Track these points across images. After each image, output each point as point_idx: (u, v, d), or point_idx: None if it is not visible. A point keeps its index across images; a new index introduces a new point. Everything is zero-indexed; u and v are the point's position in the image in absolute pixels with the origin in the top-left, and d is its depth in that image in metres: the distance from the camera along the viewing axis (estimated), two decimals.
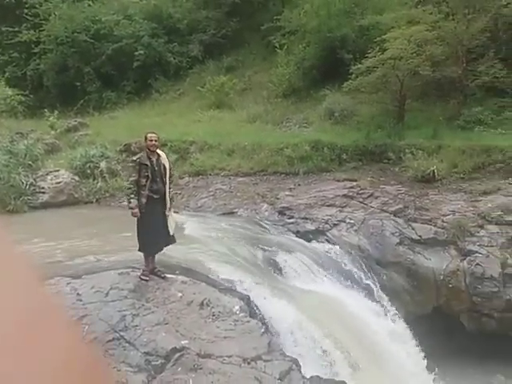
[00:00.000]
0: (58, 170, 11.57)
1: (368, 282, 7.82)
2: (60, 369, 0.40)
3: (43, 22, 18.82)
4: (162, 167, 5.51)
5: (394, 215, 8.94)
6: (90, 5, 19.57)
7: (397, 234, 8.56)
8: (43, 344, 0.40)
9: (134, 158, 5.47)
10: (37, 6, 19.39)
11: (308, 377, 4.84)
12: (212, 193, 10.96)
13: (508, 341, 7.66)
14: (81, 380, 0.43)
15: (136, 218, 5.33)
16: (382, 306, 7.43)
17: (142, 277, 5.44)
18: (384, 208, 9.12)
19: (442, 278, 8.03)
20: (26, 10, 19.36)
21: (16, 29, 19.32)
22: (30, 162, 11.50)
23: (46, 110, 15.38)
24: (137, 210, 5.23)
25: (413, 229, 8.66)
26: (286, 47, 16.22)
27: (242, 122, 14.46)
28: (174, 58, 18.96)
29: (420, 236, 8.50)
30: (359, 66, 11.89)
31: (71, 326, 0.49)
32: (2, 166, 10.77)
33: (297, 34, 16.04)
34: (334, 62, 14.34)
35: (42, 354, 0.39)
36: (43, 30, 18.72)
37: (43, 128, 14.69)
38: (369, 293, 7.55)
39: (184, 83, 18.79)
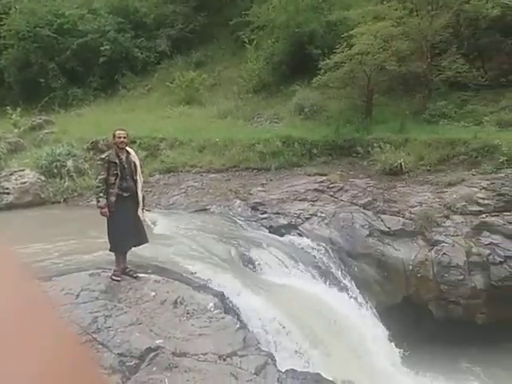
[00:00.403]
0: (22, 170, 11.18)
1: (340, 274, 7.97)
2: (47, 371, 0.39)
3: (3, 16, 18.16)
4: (132, 165, 5.43)
5: (364, 208, 9.14)
6: None
7: (366, 226, 8.75)
8: (30, 345, 0.39)
9: (103, 156, 5.36)
10: None
11: (283, 370, 4.90)
12: (184, 190, 10.86)
13: (473, 327, 7.99)
14: (69, 381, 0.42)
15: (106, 218, 5.23)
16: (354, 297, 7.59)
17: (114, 277, 5.35)
18: (354, 201, 9.30)
19: (411, 268, 8.28)
20: None
21: None
22: None
23: (8, 107, 14.81)
24: (106, 210, 5.13)
25: (382, 221, 8.87)
26: (255, 42, 16.21)
27: (213, 117, 14.39)
28: (142, 53, 18.64)
29: (389, 228, 8.72)
30: (327, 61, 12.02)
31: (59, 326, 0.47)
32: None
33: (265, 29, 16.06)
34: (303, 57, 14.45)
35: (29, 356, 0.38)
36: (3, 24, 18.07)
37: (6, 126, 14.17)
38: (341, 284, 7.70)
39: (152, 79, 18.51)
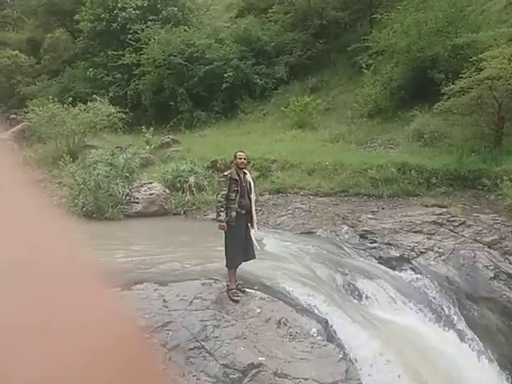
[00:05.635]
0: (151, 183, 12.48)
1: (456, 317, 7.25)
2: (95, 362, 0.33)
3: (144, 46, 20.52)
4: (248, 184, 5.71)
5: (489, 247, 8.24)
6: (185, 30, 21.00)
7: (491, 267, 7.86)
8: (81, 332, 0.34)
9: (225, 174, 5.68)
10: (139, 31, 21.30)
11: None
12: (291, 211, 10.99)
13: None
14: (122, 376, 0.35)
15: (224, 233, 5.50)
16: (471, 344, 6.83)
17: (234, 297, 5.43)
18: (477, 238, 8.45)
19: None
20: (129, 36, 21.42)
21: (120, 52, 21.38)
22: (127, 174, 12.54)
23: (142, 126, 16.67)
24: (224, 224, 5.43)
25: (510, 263, 7.91)
26: (372, 67, 15.96)
27: (325, 141, 14.42)
28: (261, 80, 19.53)
29: None
30: (452, 86, 11.30)
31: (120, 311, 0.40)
32: (103, 176, 11.87)
33: (384, 54, 15.71)
34: (424, 82, 13.79)
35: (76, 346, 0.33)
36: (143, 53, 20.43)
37: (139, 143, 15.98)
38: (456, 329, 7.00)
39: (268, 103, 19.25)
